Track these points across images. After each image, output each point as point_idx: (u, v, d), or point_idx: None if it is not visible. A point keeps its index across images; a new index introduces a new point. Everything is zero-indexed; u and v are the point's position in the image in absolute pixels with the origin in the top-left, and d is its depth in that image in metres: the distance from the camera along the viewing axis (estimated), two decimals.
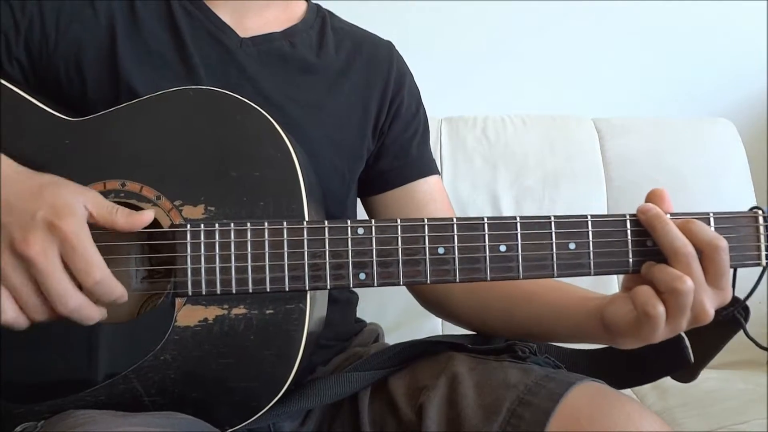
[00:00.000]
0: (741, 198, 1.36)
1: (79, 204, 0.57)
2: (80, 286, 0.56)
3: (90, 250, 0.56)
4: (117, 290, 0.58)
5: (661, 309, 0.58)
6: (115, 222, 0.59)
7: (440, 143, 1.41)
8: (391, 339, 0.94)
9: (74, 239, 0.55)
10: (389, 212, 0.89)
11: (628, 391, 1.06)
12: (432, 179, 0.90)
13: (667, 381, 0.72)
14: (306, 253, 0.62)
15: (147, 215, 0.61)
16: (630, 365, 0.73)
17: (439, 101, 1.44)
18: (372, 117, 0.86)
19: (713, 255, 0.59)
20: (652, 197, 0.63)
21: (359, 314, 0.98)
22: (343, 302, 0.90)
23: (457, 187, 1.38)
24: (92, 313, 0.58)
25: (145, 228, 0.61)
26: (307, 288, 0.62)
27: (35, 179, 0.59)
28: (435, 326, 1.29)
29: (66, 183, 0.59)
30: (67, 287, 0.56)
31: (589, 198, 1.38)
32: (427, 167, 0.91)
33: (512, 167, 1.39)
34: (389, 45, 0.92)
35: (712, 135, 1.44)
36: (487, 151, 1.40)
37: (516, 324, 0.77)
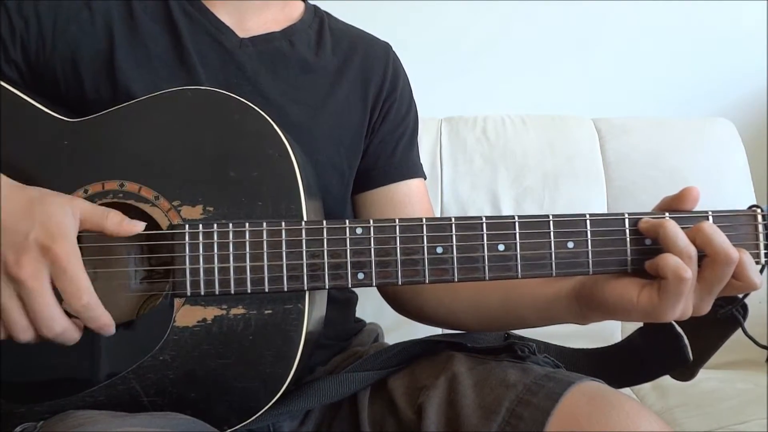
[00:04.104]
0: (741, 198, 1.36)
1: (69, 220, 0.57)
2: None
3: (80, 274, 0.56)
4: (103, 317, 0.58)
5: (690, 272, 0.57)
6: (105, 226, 0.59)
7: (440, 143, 1.41)
8: (390, 339, 0.94)
9: (65, 262, 0.55)
10: (367, 212, 0.89)
11: (627, 391, 1.06)
12: (413, 182, 0.90)
13: (667, 381, 0.71)
14: (304, 253, 0.62)
15: (138, 225, 0.61)
16: (629, 364, 0.73)
17: (439, 101, 1.45)
18: (367, 115, 0.86)
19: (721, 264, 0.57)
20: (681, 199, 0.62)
21: (359, 314, 0.98)
22: (342, 302, 0.90)
23: (457, 187, 1.37)
24: (75, 337, 0.59)
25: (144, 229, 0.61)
26: (305, 288, 0.62)
27: (25, 194, 0.58)
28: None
29: (54, 195, 0.59)
30: (55, 311, 0.56)
31: (589, 198, 1.37)
32: (410, 170, 0.90)
33: (512, 167, 1.38)
34: (386, 45, 0.92)
35: (712, 135, 1.44)
36: (487, 151, 1.40)
37: (485, 313, 0.77)
